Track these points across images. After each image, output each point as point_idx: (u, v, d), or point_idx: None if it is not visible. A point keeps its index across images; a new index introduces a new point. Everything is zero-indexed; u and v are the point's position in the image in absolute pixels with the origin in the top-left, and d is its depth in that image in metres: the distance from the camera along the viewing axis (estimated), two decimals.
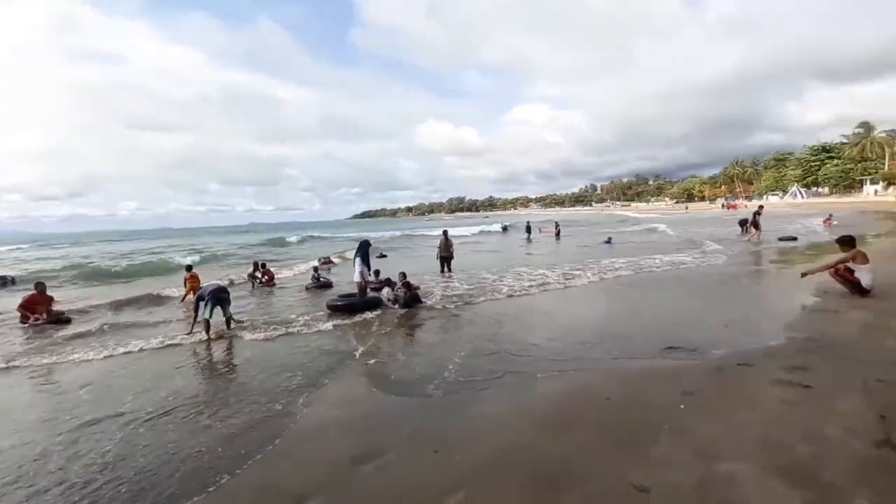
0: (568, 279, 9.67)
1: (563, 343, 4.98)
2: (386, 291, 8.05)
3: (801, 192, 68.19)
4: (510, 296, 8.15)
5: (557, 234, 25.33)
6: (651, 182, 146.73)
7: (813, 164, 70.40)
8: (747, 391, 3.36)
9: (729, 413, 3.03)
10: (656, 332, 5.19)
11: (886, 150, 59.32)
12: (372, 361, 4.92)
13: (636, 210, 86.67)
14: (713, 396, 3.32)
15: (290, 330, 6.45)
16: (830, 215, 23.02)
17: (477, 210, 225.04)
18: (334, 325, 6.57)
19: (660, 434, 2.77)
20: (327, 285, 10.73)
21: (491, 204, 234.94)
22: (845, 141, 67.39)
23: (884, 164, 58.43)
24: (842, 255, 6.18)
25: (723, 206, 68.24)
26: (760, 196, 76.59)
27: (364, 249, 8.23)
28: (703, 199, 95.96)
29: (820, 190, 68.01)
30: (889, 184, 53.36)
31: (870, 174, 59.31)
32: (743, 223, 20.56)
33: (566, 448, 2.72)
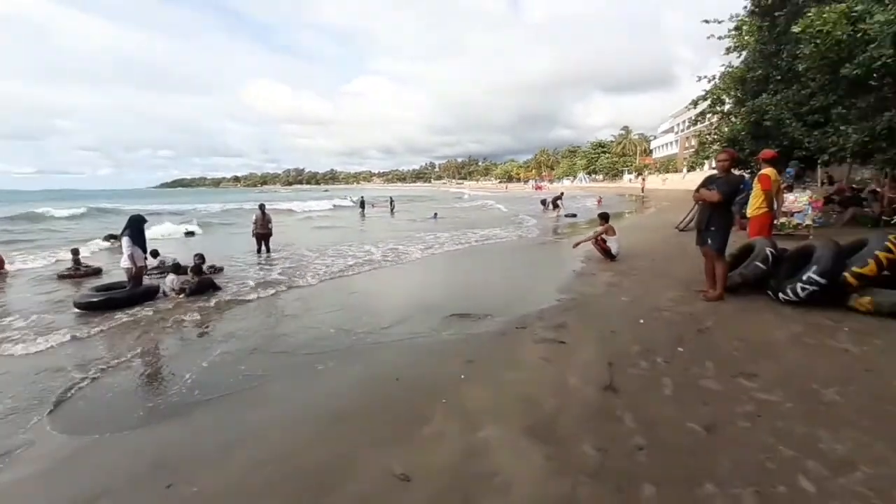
0: (391, 256, 9.60)
1: (366, 326, 4.68)
2: (171, 279, 6.54)
3: (585, 178, 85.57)
4: (323, 279, 7.39)
5: (392, 210, 25.63)
6: (481, 163, 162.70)
7: (593, 156, 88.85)
8: (518, 353, 3.68)
9: (499, 377, 3.23)
10: (459, 302, 5.43)
11: (638, 148, 79.21)
12: (107, 380, 3.80)
13: (469, 188, 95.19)
14: (490, 361, 3.54)
15: None
16: (600, 197, 29.30)
17: (317, 183, 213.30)
18: (73, 336, 4.71)
19: (436, 410, 2.76)
20: (94, 273, 8.28)
21: (333, 177, 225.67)
22: (613, 139, 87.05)
23: (636, 159, 77.78)
24: (599, 228, 7.64)
25: (533, 187, 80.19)
26: (560, 180, 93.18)
27: (135, 226, 6.46)
28: (519, 180, 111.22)
29: (597, 177, 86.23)
30: (638, 174, 71.10)
31: (627, 166, 78.01)
32: (544, 202, 24.61)
33: (337, 447, 2.44)
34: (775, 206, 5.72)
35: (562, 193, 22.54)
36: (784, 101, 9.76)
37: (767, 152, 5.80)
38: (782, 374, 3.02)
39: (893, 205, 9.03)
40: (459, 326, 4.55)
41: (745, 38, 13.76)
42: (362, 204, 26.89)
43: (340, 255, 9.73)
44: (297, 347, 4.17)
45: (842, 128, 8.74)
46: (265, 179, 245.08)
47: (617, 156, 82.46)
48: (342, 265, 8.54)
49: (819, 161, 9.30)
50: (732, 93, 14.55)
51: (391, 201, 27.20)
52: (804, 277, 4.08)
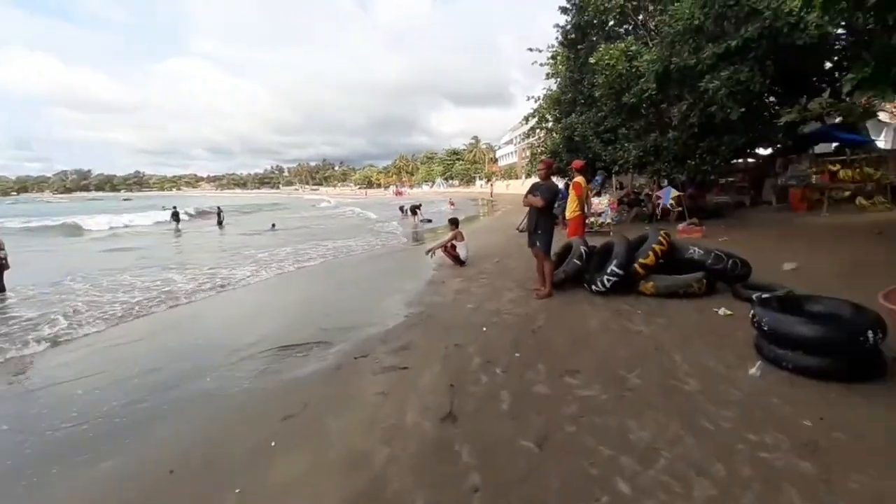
0: (205, 283, 7.76)
1: (133, 393, 3.51)
2: None
3: (443, 184, 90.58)
4: (83, 327, 5.32)
5: (220, 223, 22.19)
6: (337, 168, 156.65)
7: (449, 163, 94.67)
8: (353, 391, 3.28)
9: (323, 431, 2.74)
10: (290, 333, 4.74)
11: (486, 156, 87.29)
12: None
13: (328, 194, 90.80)
14: (315, 411, 3.01)
15: None
16: (451, 200, 31.20)
17: (114, 189, 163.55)
18: None
19: None
20: None
21: (139, 182, 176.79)
22: (465, 147, 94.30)
23: (485, 166, 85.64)
24: (449, 234, 7.83)
25: (394, 192, 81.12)
26: (419, 185, 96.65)
27: None
28: (380, 185, 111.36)
29: (454, 182, 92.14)
30: (488, 180, 78.38)
31: (478, 173, 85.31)
32: (402, 209, 24.86)
33: None
34: (587, 208, 6.66)
35: (420, 205, 22.85)
36: (587, 120, 11.73)
37: (578, 163, 6.73)
38: (598, 364, 3.34)
39: (656, 203, 11.60)
40: (282, 367, 3.88)
41: (559, 67, 16.14)
42: (175, 216, 22.75)
43: (128, 289, 7.51)
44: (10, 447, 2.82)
45: (626, 145, 10.86)
46: (24, 185, 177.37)
47: (469, 163, 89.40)
48: (126, 304, 6.44)
49: (613, 171, 11.44)
50: (552, 112, 17.30)
51: (219, 212, 23.10)
52: (608, 270, 4.76)
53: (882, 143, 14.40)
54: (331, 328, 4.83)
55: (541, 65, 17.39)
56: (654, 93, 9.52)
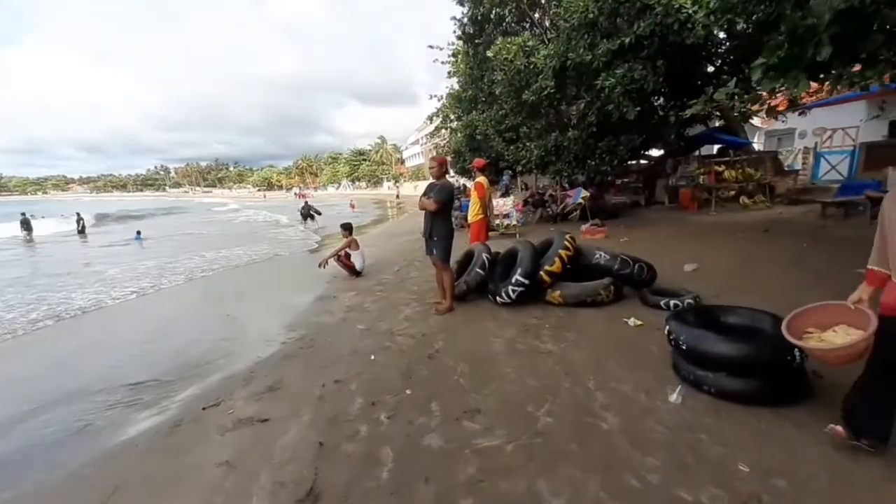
0: (32, 313, 6.26)
1: None
2: None
3: (349, 185, 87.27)
4: None
5: (82, 230, 18.65)
6: (232, 168, 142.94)
7: (355, 163, 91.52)
8: (189, 459, 2.35)
9: None
10: (126, 371, 3.59)
11: (393, 157, 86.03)
12: None
13: (223, 197, 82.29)
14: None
15: None
16: (353, 202, 29.82)
17: None
18: None
19: None
20: None
21: None
22: (371, 148, 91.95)
23: (392, 167, 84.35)
24: (342, 242, 6.83)
25: (296, 194, 75.40)
26: (324, 187, 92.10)
27: None
28: (281, 187, 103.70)
29: (360, 184, 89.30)
30: (396, 181, 77.28)
31: (386, 174, 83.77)
32: (301, 212, 22.90)
33: None
34: (489, 211, 6.20)
35: (317, 213, 21.25)
36: (489, 119, 11.55)
37: (479, 161, 6.24)
38: (503, 399, 2.74)
39: (563, 204, 11.91)
40: (105, 423, 2.82)
41: (460, 65, 15.79)
42: (25, 224, 18.52)
43: None
44: None
45: (527, 144, 10.86)
46: None
47: (376, 164, 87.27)
48: None
49: (517, 171, 11.43)
50: (455, 111, 17.26)
51: (78, 218, 19.90)
52: (513, 280, 4.26)
53: (757, 145, 16.47)
54: (184, 364, 3.81)
55: (442, 63, 17.11)
56: (552, 90, 9.56)
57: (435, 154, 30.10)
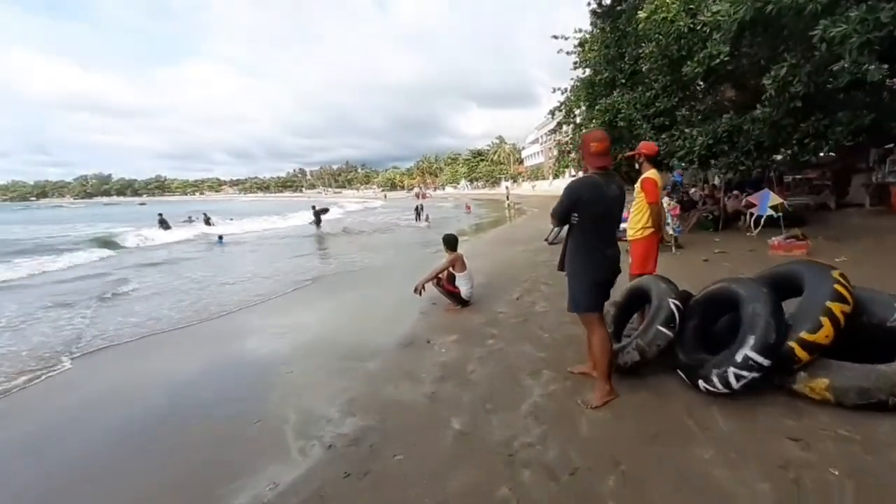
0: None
1: None
2: None
3: (467, 185, 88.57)
4: None
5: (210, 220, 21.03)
6: (360, 170, 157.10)
7: (473, 164, 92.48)
8: None
9: None
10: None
11: (511, 157, 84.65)
12: None
13: (342, 196, 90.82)
14: None
15: None
16: (468, 204, 28.92)
17: (136, 194, 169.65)
18: None
19: None
20: None
21: (160, 186, 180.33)
22: (489, 148, 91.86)
23: (510, 167, 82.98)
24: (443, 261, 5.74)
25: (416, 195, 79.06)
26: (443, 187, 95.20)
27: None
28: (402, 187, 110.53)
29: (478, 183, 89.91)
30: (514, 181, 75.72)
31: (504, 174, 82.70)
32: (417, 211, 23.23)
33: None
34: (662, 222, 4.35)
35: (421, 205, 21.92)
36: (633, 101, 9.36)
37: (649, 146, 4.17)
38: None
39: (746, 213, 9.09)
40: None
41: (588, 53, 14.12)
42: (163, 223, 21.61)
43: None
44: None
45: (685, 131, 8.46)
46: (43, 190, 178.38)
47: (494, 164, 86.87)
48: None
49: (671, 165, 9.05)
50: (582, 103, 15.41)
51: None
52: (738, 359, 2.43)
53: None
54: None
55: (567, 53, 15.47)
56: (725, 57, 7.15)
57: (556, 152, 27.80)
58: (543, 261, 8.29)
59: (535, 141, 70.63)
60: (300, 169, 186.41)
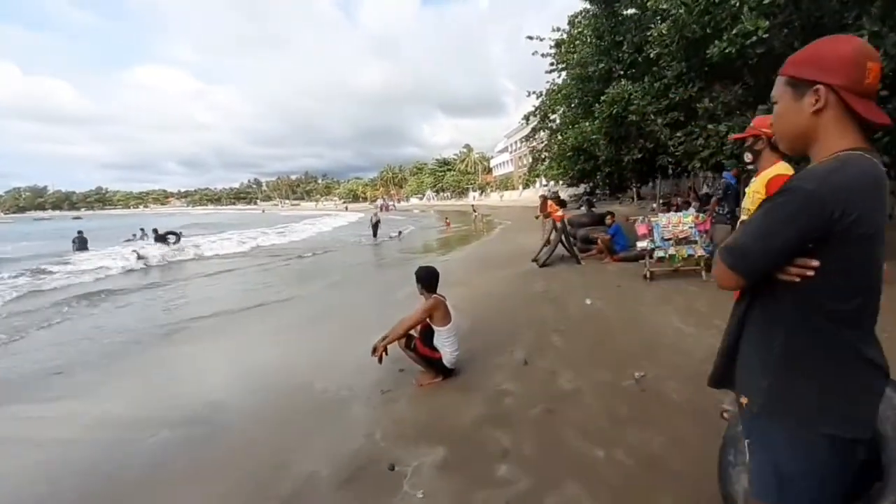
0: None
1: None
2: None
3: (433, 196, 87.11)
4: None
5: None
6: (320, 181, 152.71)
7: (439, 174, 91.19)
8: None
9: None
10: None
11: (479, 166, 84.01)
12: None
13: (302, 209, 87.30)
14: None
15: None
16: (448, 219, 27.02)
17: (73, 207, 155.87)
18: None
19: None
20: None
21: (101, 199, 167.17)
22: (456, 157, 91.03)
23: (478, 177, 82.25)
24: (417, 310, 3.77)
25: (379, 206, 75.74)
26: (408, 198, 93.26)
27: None
28: (366, 199, 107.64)
29: (445, 194, 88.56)
30: (482, 191, 74.82)
31: (471, 184, 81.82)
32: (374, 227, 21.12)
33: None
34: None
35: (377, 218, 20.63)
36: (645, 92, 7.89)
37: (766, 121, 2.54)
38: None
39: None
40: None
41: (566, 56, 13.52)
42: (79, 242, 18.20)
43: None
44: None
45: (710, 126, 7.02)
46: None
47: (461, 173, 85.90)
48: None
49: (690, 168, 7.61)
50: (571, 99, 14.51)
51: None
52: None
53: None
54: None
55: (542, 55, 14.89)
56: (764, 34, 5.76)
57: (530, 159, 26.73)
58: (542, 291, 6.53)
59: (505, 149, 70.34)
60: (255, 179, 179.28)
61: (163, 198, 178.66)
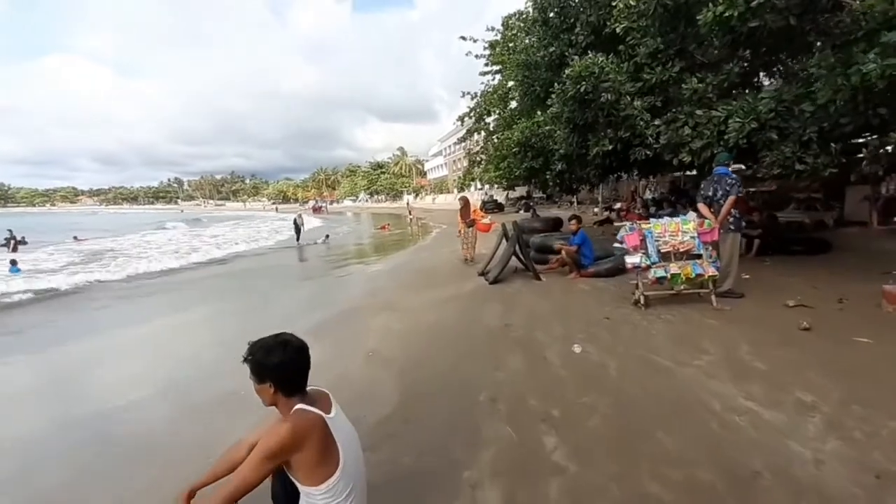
0: None
1: None
2: None
3: (367, 198, 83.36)
4: None
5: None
6: (248, 181, 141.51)
7: (373, 176, 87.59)
8: None
9: None
10: None
11: (414, 170, 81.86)
12: None
13: (227, 209, 79.84)
14: None
15: None
16: (386, 225, 24.22)
17: None
18: None
19: None
20: None
21: (2, 196, 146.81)
22: (390, 160, 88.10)
23: (412, 180, 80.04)
24: (261, 448, 1.51)
25: (312, 208, 69.96)
26: (340, 201, 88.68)
27: None
28: (296, 200, 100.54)
29: (379, 197, 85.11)
30: (416, 194, 72.60)
31: (406, 187, 79.34)
32: (296, 227, 18.24)
33: None
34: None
35: (300, 215, 18.48)
36: (620, 68, 6.18)
37: None
38: None
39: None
40: None
41: (502, 56, 13.24)
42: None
43: None
44: None
45: (699, 112, 5.48)
46: None
47: (396, 176, 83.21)
48: None
49: (674, 162, 6.02)
50: (496, 109, 14.13)
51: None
52: None
53: None
54: None
55: (476, 56, 14.64)
56: None
57: (467, 162, 25.68)
58: (501, 327, 4.50)
59: (439, 153, 68.90)
60: (176, 178, 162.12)
61: (72, 196, 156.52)
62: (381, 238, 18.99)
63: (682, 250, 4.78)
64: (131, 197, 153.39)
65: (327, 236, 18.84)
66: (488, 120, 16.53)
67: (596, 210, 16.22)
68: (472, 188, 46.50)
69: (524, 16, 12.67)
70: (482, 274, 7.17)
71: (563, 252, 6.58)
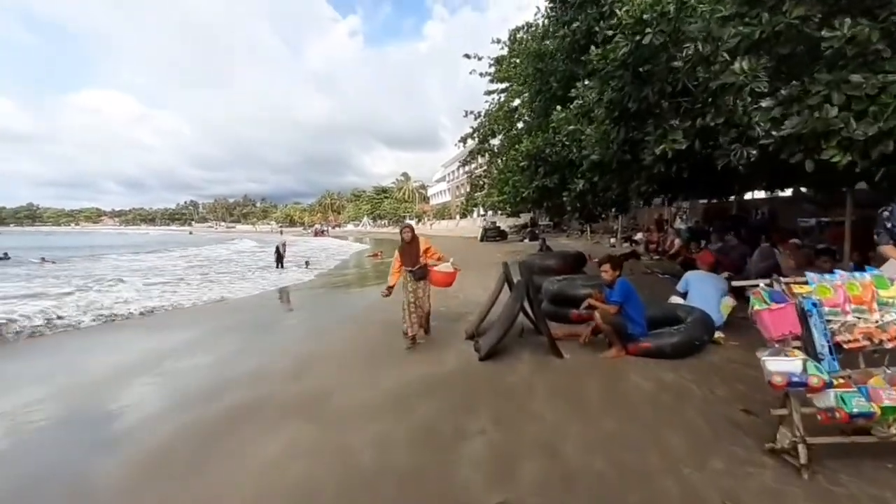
0: None
1: None
2: None
3: (370, 223, 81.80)
4: None
5: None
6: (258, 204, 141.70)
7: (377, 201, 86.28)
8: None
9: None
10: None
11: (417, 195, 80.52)
12: None
13: (234, 232, 79.18)
14: None
15: None
16: (378, 252, 21.65)
17: (3, 223, 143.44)
18: None
19: None
20: None
21: (30, 215, 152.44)
22: (394, 185, 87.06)
23: (415, 205, 78.55)
24: None
25: (314, 232, 66.94)
26: (341, 225, 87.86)
27: None
28: (302, 224, 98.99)
29: (382, 221, 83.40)
30: (419, 220, 70.82)
31: (409, 212, 77.61)
32: (278, 254, 15.73)
33: None
34: None
35: (283, 244, 16.62)
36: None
37: None
38: None
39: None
40: None
41: (508, 71, 12.63)
42: None
43: None
44: None
45: (853, 77, 2.96)
46: None
47: (399, 201, 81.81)
48: None
49: (809, 168, 3.47)
50: (502, 129, 13.06)
51: None
52: None
53: None
54: None
55: (480, 74, 13.70)
56: None
57: (469, 186, 23.89)
58: None
59: (442, 178, 67.41)
60: (192, 201, 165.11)
61: (95, 216, 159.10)
62: (366, 269, 16.40)
63: (879, 337, 2.13)
64: (149, 218, 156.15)
65: (307, 262, 16.60)
66: (493, 142, 15.18)
67: (612, 241, 13.53)
68: (475, 214, 44.10)
69: (534, 28, 11.06)
70: (472, 338, 4.53)
71: (598, 314, 3.87)
